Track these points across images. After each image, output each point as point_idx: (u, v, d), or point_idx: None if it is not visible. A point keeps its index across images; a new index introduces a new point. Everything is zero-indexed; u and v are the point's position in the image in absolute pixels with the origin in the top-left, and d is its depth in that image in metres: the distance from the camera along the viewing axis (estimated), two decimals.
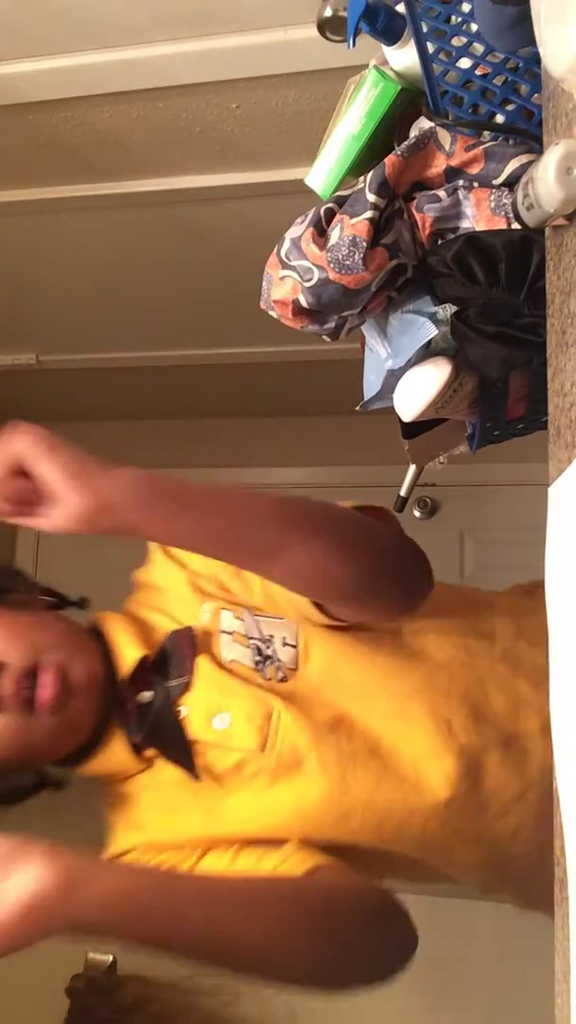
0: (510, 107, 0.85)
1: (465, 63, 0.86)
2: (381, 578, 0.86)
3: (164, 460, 3.25)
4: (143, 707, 0.88)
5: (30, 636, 0.87)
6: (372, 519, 0.91)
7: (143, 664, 0.89)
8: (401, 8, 0.84)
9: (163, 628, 0.92)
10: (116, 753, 0.90)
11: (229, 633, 0.89)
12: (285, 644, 0.89)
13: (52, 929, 0.68)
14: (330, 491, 3.14)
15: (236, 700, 0.87)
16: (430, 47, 0.84)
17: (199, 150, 1.67)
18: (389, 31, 0.85)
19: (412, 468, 1.35)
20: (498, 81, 0.85)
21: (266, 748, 0.86)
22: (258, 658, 0.89)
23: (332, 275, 0.86)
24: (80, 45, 1.43)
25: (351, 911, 0.81)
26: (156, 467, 3.14)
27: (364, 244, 0.83)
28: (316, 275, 0.86)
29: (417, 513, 2.95)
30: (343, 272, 0.85)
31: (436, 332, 0.90)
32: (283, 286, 0.89)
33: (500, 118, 0.86)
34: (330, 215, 0.87)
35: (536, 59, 0.81)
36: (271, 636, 0.89)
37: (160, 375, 2.78)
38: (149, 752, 0.90)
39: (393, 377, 0.94)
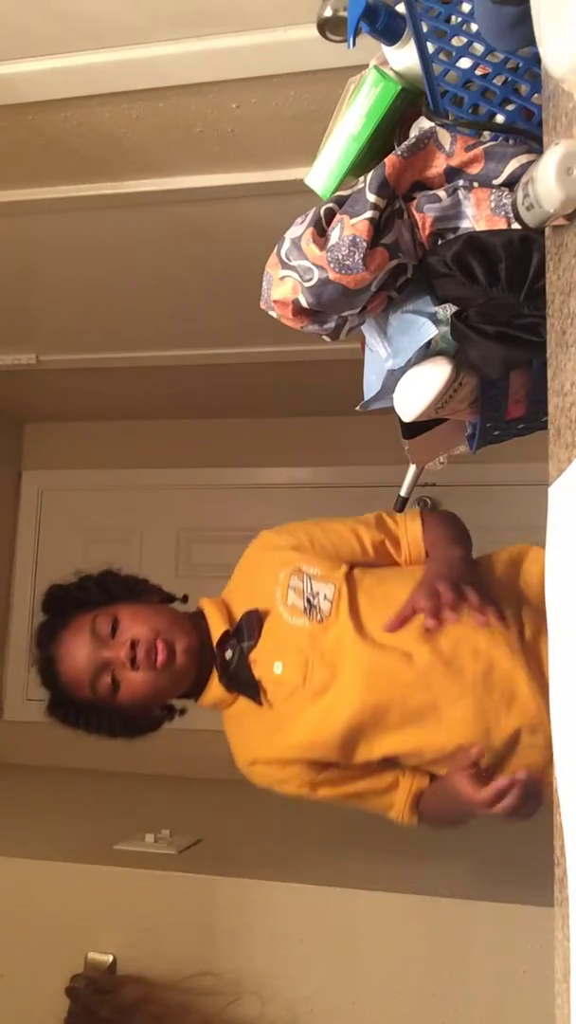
0: (510, 107, 0.85)
1: (465, 63, 0.86)
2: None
3: (164, 460, 3.27)
4: (227, 661, 1.35)
5: (153, 621, 1.35)
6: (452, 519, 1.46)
7: (226, 634, 1.36)
8: (401, 8, 0.84)
9: (242, 608, 1.37)
10: (214, 690, 1.37)
11: (293, 588, 1.34)
12: (325, 599, 1.32)
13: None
14: (330, 491, 3.14)
15: (286, 653, 1.31)
16: (430, 47, 0.84)
17: (199, 150, 1.67)
18: (389, 31, 0.85)
19: (412, 468, 1.35)
20: (498, 81, 0.85)
21: (306, 683, 1.30)
22: (306, 605, 1.32)
23: (332, 275, 0.86)
24: (80, 45, 1.43)
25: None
26: (156, 467, 3.14)
27: (364, 244, 0.83)
28: (316, 275, 0.86)
29: None
30: (343, 272, 0.85)
31: (436, 332, 0.90)
32: (283, 286, 0.89)
33: (500, 118, 0.86)
34: (330, 215, 0.87)
35: (536, 59, 0.81)
36: (318, 592, 1.33)
37: (160, 375, 2.77)
38: (234, 691, 1.36)
39: (393, 377, 0.94)
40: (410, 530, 1.41)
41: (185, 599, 1.48)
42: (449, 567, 1.30)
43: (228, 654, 1.35)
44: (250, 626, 1.34)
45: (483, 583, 1.29)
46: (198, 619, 1.40)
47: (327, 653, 1.29)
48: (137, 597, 1.43)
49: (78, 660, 1.35)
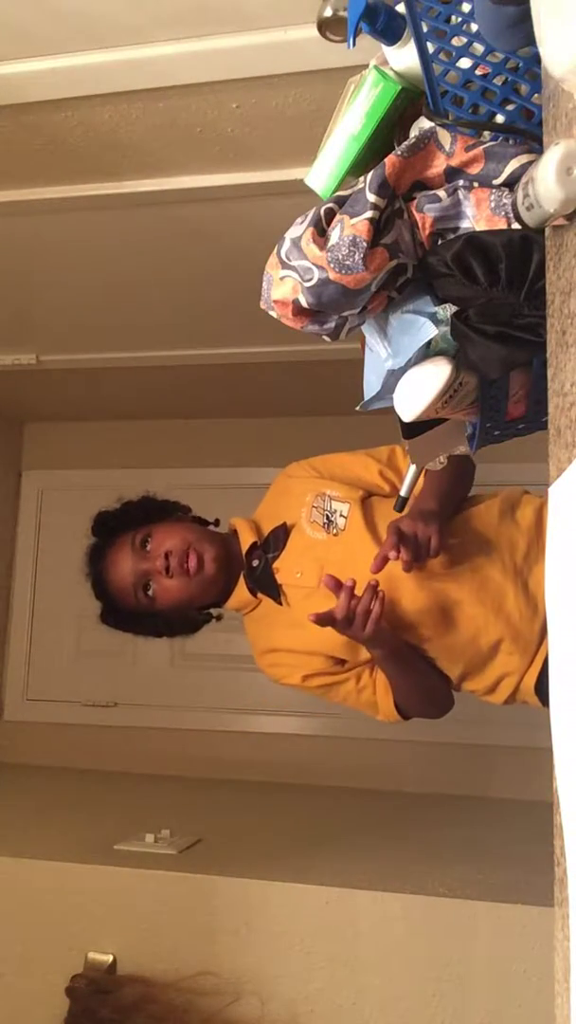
0: (510, 107, 0.85)
1: (465, 63, 0.85)
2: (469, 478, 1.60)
3: (164, 460, 3.27)
4: (253, 568, 1.54)
5: (183, 535, 1.54)
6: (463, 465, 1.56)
7: (254, 545, 1.56)
8: (401, 8, 0.84)
9: (270, 525, 1.56)
10: (241, 594, 1.56)
11: (315, 507, 1.53)
12: (341, 516, 1.52)
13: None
14: None
15: (305, 562, 1.51)
16: (430, 47, 0.84)
17: (199, 150, 1.67)
18: (389, 31, 0.85)
19: (412, 468, 1.35)
20: (498, 81, 0.85)
21: (319, 586, 1.45)
22: (325, 520, 1.52)
23: (332, 275, 0.85)
24: (80, 45, 1.43)
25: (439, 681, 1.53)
26: (156, 467, 3.14)
27: (364, 244, 0.83)
28: (316, 275, 0.86)
29: None
30: (343, 272, 0.85)
31: (436, 332, 0.90)
32: (283, 286, 0.89)
33: (500, 118, 0.85)
34: (330, 215, 0.87)
35: (536, 59, 0.81)
36: (335, 510, 1.52)
37: (160, 375, 2.77)
38: (259, 595, 1.55)
39: (393, 377, 0.94)
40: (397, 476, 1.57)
41: (216, 523, 1.66)
42: (414, 517, 1.44)
43: (255, 563, 1.54)
44: (277, 538, 1.54)
45: (440, 531, 1.43)
46: (230, 537, 1.60)
47: (340, 561, 1.47)
48: (172, 516, 1.63)
49: (122, 572, 1.55)
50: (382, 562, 1.39)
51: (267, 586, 1.53)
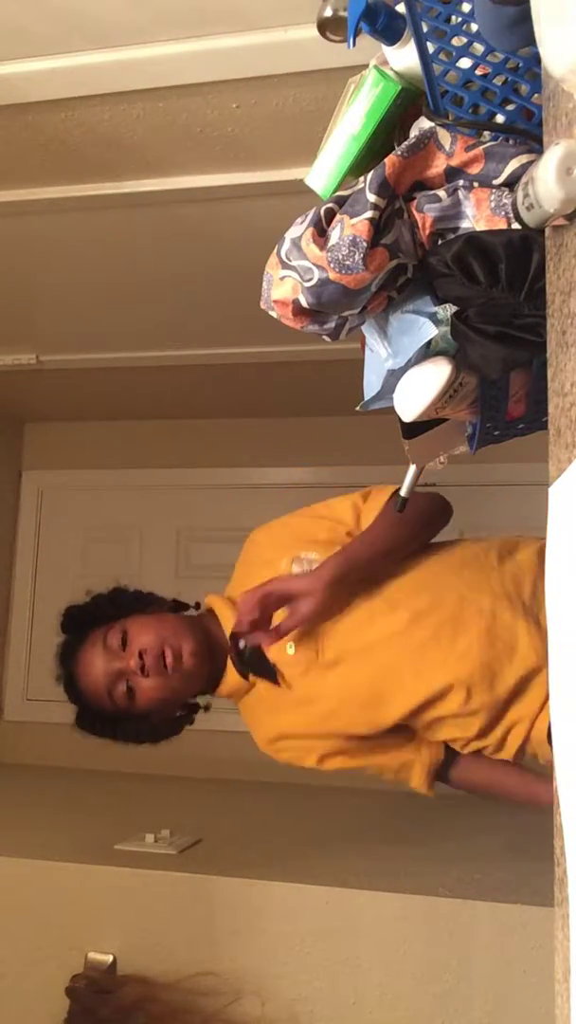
0: (510, 107, 0.85)
1: (465, 63, 0.85)
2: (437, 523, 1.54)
3: (164, 460, 3.27)
4: (240, 651, 1.43)
5: (157, 630, 1.44)
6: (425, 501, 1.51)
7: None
8: (401, 8, 0.84)
9: None
10: (231, 680, 1.48)
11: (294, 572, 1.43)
12: None
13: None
14: (330, 491, 3.13)
15: (296, 633, 1.40)
16: (430, 47, 0.84)
17: (199, 150, 1.67)
18: (389, 31, 0.85)
19: (412, 468, 1.35)
20: (498, 81, 0.85)
21: (319, 656, 1.41)
22: None
23: (332, 275, 0.85)
24: (80, 45, 1.43)
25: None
26: (156, 467, 3.15)
27: (364, 244, 0.83)
28: (316, 275, 0.86)
29: None
30: (343, 272, 0.85)
31: (436, 332, 0.90)
32: (283, 286, 0.89)
33: (500, 118, 0.85)
34: (330, 215, 0.87)
35: (536, 59, 0.81)
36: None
37: (160, 375, 2.78)
38: (251, 678, 1.45)
39: (393, 377, 0.94)
40: (371, 512, 1.50)
41: (198, 606, 1.57)
42: (320, 571, 1.38)
43: (241, 644, 1.43)
44: None
45: (326, 587, 1.36)
46: (208, 618, 1.51)
47: (335, 625, 1.39)
48: (145, 608, 1.53)
49: (94, 673, 1.45)
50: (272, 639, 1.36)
51: (260, 669, 1.43)
